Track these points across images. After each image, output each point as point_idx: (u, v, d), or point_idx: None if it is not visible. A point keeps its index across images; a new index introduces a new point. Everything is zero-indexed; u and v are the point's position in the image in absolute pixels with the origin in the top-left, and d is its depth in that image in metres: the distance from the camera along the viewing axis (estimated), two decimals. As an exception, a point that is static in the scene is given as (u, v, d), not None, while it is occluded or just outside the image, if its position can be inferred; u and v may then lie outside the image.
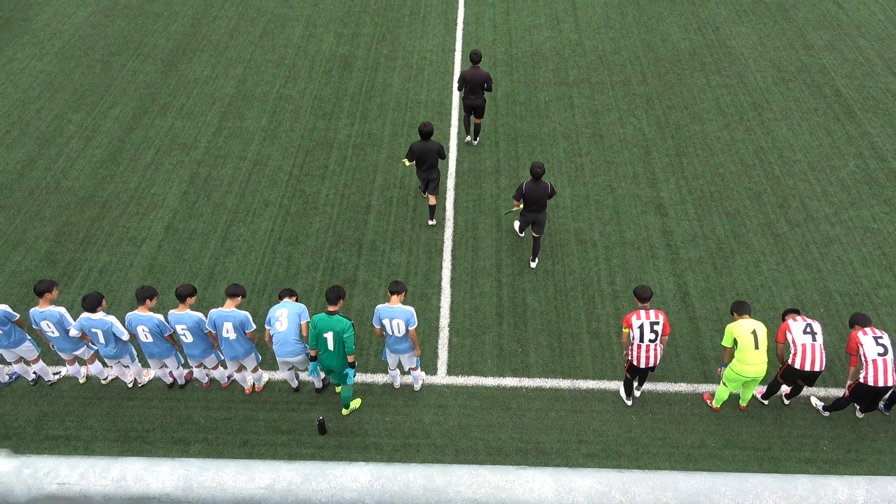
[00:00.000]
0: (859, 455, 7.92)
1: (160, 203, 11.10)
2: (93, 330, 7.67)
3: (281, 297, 7.98)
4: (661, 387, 8.60)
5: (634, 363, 7.79)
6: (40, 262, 10.10)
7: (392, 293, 7.65)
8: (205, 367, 8.36)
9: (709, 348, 9.03)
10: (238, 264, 10.12)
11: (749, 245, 10.47)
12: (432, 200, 10.48)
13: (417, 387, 8.56)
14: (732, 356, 7.68)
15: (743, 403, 8.26)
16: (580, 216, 10.92)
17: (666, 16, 15.93)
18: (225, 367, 8.56)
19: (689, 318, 9.43)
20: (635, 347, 7.70)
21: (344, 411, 8.23)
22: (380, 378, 8.66)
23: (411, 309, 7.64)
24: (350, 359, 7.62)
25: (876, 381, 7.33)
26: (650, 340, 7.60)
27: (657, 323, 7.56)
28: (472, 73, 11.17)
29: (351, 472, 3.78)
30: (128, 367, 8.35)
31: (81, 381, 8.59)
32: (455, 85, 12.63)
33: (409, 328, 7.61)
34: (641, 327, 7.56)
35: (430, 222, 10.76)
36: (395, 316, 7.57)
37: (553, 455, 7.91)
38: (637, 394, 8.51)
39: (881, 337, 7.43)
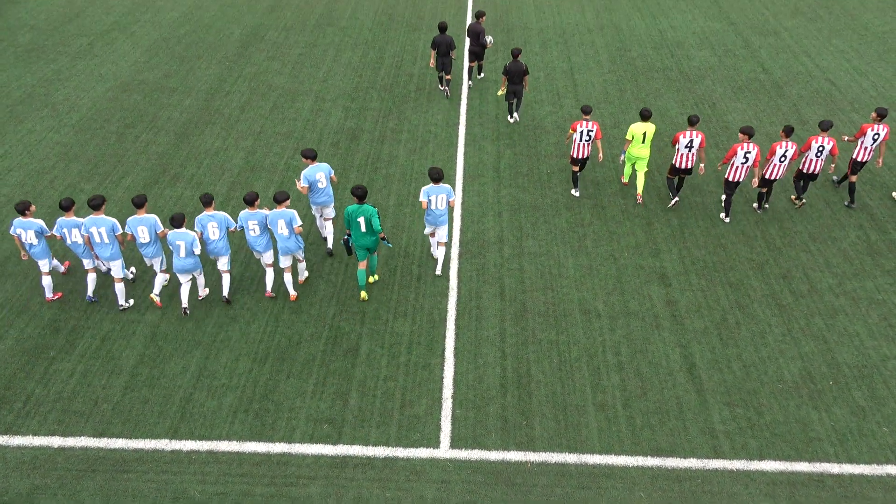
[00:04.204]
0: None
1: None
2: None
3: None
4: (671, 462, 8.36)
5: (575, 156, 12.43)
6: (43, 330, 10.09)
7: (434, 179, 10.45)
8: (264, 263, 10.52)
9: (718, 422, 8.83)
10: (241, 332, 10.08)
11: (754, 316, 10.42)
12: (448, 76, 15.84)
13: (439, 269, 10.97)
14: (629, 144, 12.29)
15: (639, 190, 12.54)
16: (584, 286, 10.93)
17: (663, 92, 16.46)
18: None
19: (697, 391, 9.27)
20: (577, 145, 12.28)
21: (371, 278, 10.83)
22: (380, 451, 8.46)
23: (449, 186, 10.64)
24: (382, 235, 10.14)
25: (734, 178, 11.82)
26: (585, 141, 12.24)
27: (591, 130, 12.12)
28: (474, 26, 15.65)
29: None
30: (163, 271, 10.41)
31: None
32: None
33: (450, 199, 10.55)
34: (581, 133, 12.14)
35: (443, 87, 16.03)
36: (440, 192, 10.43)
37: (560, 534, 7.61)
38: (576, 192, 12.91)
39: (749, 152, 11.43)
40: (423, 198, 10.48)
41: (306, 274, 10.99)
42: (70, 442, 8.46)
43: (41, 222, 10.01)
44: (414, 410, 8.96)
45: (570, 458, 8.42)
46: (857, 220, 12.33)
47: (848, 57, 18.23)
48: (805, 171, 12.11)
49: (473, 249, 11.67)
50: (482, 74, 16.93)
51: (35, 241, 10.01)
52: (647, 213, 12.50)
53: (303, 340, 9.96)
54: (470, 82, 16.67)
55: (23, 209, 9.90)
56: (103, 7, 21.21)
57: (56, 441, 8.54)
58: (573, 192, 12.89)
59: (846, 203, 12.66)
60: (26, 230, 9.92)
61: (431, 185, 10.48)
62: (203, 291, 10.62)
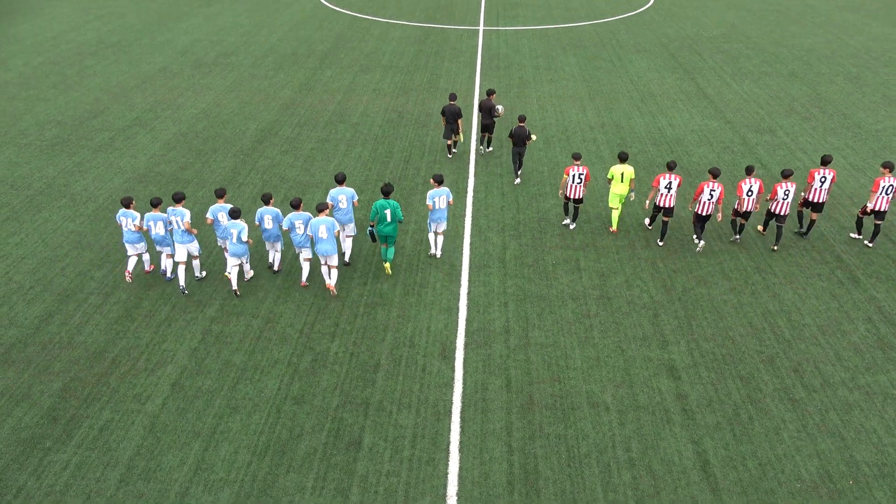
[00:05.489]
0: None
1: (169, 359, 11.11)
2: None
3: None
4: (687, 568, 7.91)
5: (568, 195, 14.41)
6: (41, 419, 9.92)
7: (437, 182, 12.94)
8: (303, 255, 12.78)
9: (735, 524, 8.42)
10: (241, 423, 9.87)
11: (767, 411, 10.16)
12: (450, 141, 17.82)
13: (439, 252, 13.57)
14: (612, 183, 14.36)
15: (614, 226, 14.72)
16: (591, 378, 10.76)
17: (665, 186, 16.84)
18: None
19: (712, 490, 8.89)
20: (570, 187, 14.24)
21: (387, 265, 13.11)
22: (382, 553, 8.06)
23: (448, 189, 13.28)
24: (399, 224, 12.74)
25: (702, 211, 13.78)
26: (577, 183, 14.17)
27: (582, 174, 14.09)
28: (486, 102, 17.57)
29: None
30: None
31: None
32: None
33: (449, 199, 13.08)
34: (573, 176, 14.09)
35: (449, 155, 18.15)
36: (442, 194, 12.90)
37: None
38: (572, 226, 14.98)
39: (714, 189, 13.48)
40: (429, 201, 12.91)
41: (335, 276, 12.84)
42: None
43: (139, 214, 12.72)
44: (417, 509, 8.61)
45: (581, 562, 7.99)
46: (866, 313, 12.25)
47: (844, 154, 18.75)
48: (774, 211, 13.89)
49: (479, 340, 11.60)
50: (490, 148, 18.63)
51: (134, 228, 12.63)
52: (653, 305, 12.49)
53: (304, 433, 9.74)
54: (482, 149, 18.69)
55: (128, 203, 12.70)
56: (127, 104, 22.29)
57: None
58: (565, 221, 15.01)
59: (802, 231, 14.73)
60: (128, 218, 12.60)
61: (435, 188, 12.83)
62: (248, 273, 13.13)
